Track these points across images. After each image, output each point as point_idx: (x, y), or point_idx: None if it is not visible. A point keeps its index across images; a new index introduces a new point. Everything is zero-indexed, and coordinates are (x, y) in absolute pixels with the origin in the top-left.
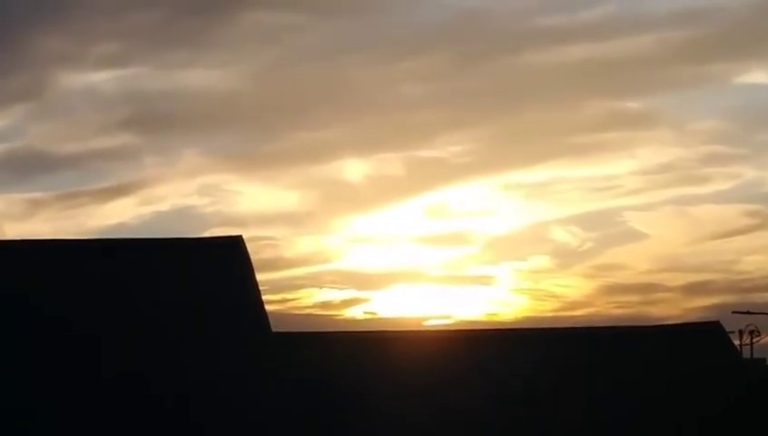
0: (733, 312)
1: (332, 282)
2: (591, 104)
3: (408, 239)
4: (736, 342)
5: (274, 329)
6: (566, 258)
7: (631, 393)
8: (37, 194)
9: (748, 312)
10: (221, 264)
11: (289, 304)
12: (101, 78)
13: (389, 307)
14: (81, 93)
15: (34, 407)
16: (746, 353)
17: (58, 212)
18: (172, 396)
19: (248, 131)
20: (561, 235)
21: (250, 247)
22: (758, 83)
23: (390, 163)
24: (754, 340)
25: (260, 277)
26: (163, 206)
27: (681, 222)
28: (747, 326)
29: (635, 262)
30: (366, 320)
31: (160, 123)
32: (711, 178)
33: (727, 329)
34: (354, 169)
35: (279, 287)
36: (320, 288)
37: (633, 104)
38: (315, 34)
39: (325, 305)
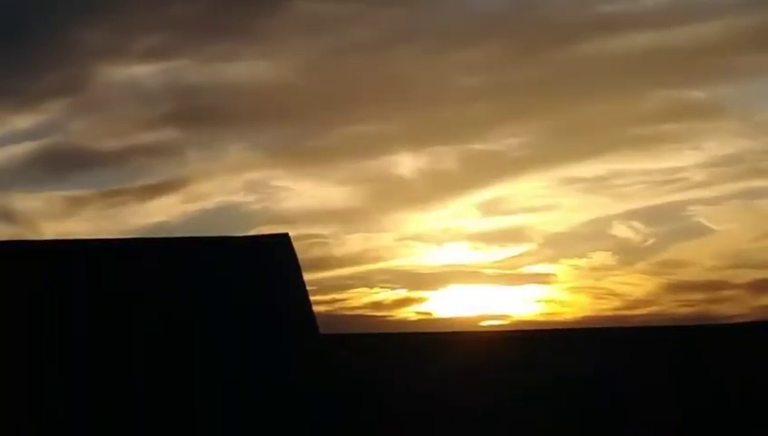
0: None
1: (384, 281)
2: (654, 95)
3: (463, 236)
4: None
5: (323, 330)
6: (627, 255)
7: (697, 393)
8: (78, 192)
9: None
10: (268, 263)
11: (338, 305)
12: (144, 71)
13: (443, 307)
14: (123, 87)
15: (61, 405)
16: None
17: (99, 210)
18: (213, 397)
19: (296, 125)
20: (622, 231)
21: (297, 246)
22: None
23: (444, 157)
24: None
25: (308, 277)
26: (208, 204)
27: (748, 217)
28: None
29: (700, 258)
30: (419, 321)
31: (204, 118)
32: None
33: None
34: (406, 164)
35: (328, 287)
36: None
37: (698, 94)
38: (365, 25)
39: (376, 306)
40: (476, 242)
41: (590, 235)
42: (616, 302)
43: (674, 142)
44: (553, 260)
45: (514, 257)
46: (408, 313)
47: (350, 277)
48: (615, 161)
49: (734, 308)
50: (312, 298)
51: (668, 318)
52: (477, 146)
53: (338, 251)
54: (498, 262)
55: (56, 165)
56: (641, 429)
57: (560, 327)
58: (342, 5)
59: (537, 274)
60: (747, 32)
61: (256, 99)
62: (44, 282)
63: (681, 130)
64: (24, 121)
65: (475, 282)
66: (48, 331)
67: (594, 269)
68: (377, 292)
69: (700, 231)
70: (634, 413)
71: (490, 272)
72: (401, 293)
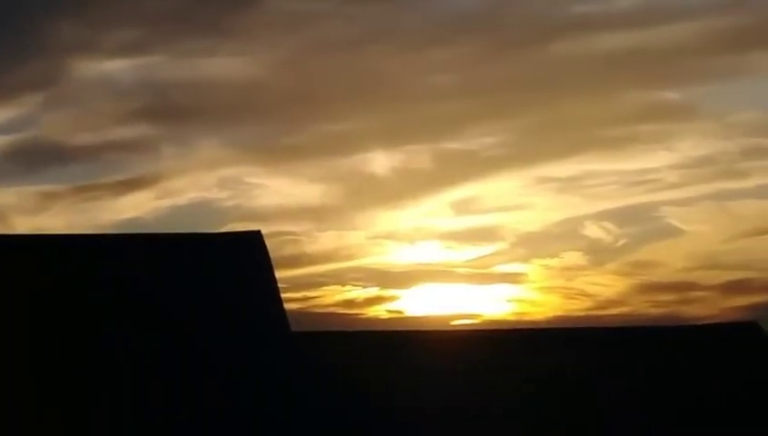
0: None
1: (356, 279)
2: (627, 95)
3: (435, 235)
4: None
5: (295, 328)
6: (599, 255)
7: (666, 394)
8: (50, 187)
9: None
10: (239, 261)
11: (310, 303)
12: (118, 66)
13: (415, 306)
14: (97, 81)
15: (45, 403)
16: None
17: (71, 205)
18: (182, 394)
19: (270, 122)
20: (594, 231)
21: (270, 243)
22: None
23: (417, 155)
24: None
25: (280, 274)
26: (181, 200)
27: (720, 218)
28: None
29: (671, 259)
30: (390, 319)
31: (178, 114)
32: (752, 172)
33: (766, 329)
34: (380, 162)
35: (300, 285)
36: None
37: (670, 95)
38: (340, 22)
39: (348, 304)
40: (448, 241)
41: (562, 235)
42: (587, 303)
43: (648, 142)
44: (524, 259)
45: (486, 256)
46: (380, 312)
47: (322, 275)
48: (589, 161)
49: (705, 309)
50: (284, 295)
51: (639, 318)
52: (451, 145)
53: (310, 248)
54: (470, 261)
55: (29, 160)
56: (611, 429)
57: (531, 327)
58: (317, 3)
59: (509, 274)
60: (721, 33)
61: (230, 95)
62: (15, 277)
63: (654, 131)
64: None
65: (446, 281)
66: (19, 325)
67: (565, 269)
68: (348, 290)
69: (671, 232)
70: (604, 414)
71: (462, 271)
72: (373, 291)
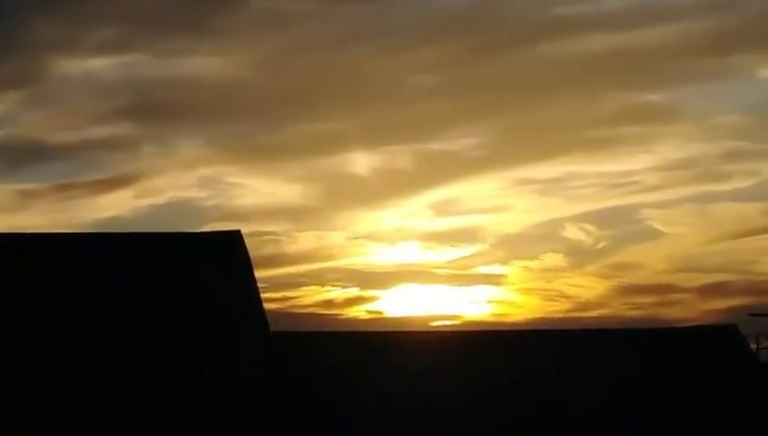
0: (749, 315)
1: (335, 279)
2: (609, 97)
3: (416, 236)
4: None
5: (274, 328)
6: (579, 257)
7: (644, 397)
8: (30, 185)
9: (765, 315)
10: (218, 260)
11: (289, 303)
12: (98, 65)
13: (395, 307)
14: (77, 80)
15: (18, 404)
16: (764, 357)
17: (51, 203)
18: (161, 393)
19: (251, 121)
20: (575, 233)
21: (250, 242)
22: None
23: (399, 156)
24: None
25: (260, 274)
26: (161, 199)
27: (699, 221)
28: None
29: (651, 261)
30: (370, 320)
31: (159, 113)
32: (732, 175)
33: (745, 332)
34: (361, 162)
35: (280, 285)
36: None
37: (653, 97)
38: (322, 22)
39: (327, 304)
40: (428, 242)
41: (542, 237)
42: (567, 304)
43: (629, 145)
44: (504, 261)
45: (465, 257)
46: (359, 312)
47: (302, 275)
48: (570, 163)
49: (684, 312)
50: (264, 295)
51: (618, 320)
52: (432, 146)
53: (290, 248)
54: (450, 262)
55: (9, 158)
56: (590, 429)
57: (510, 328)
58: (299, 2)
59: (489, 275)
60: (704, 36)
61: (211, 95)
62: None
63: (636, 133)
64: None
65: (426, 282)
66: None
67: (545, 270)
68: (328, 291)
69: (651, 234)
70: (583, 414)
71: (442, 272)
72: (353, 292)
